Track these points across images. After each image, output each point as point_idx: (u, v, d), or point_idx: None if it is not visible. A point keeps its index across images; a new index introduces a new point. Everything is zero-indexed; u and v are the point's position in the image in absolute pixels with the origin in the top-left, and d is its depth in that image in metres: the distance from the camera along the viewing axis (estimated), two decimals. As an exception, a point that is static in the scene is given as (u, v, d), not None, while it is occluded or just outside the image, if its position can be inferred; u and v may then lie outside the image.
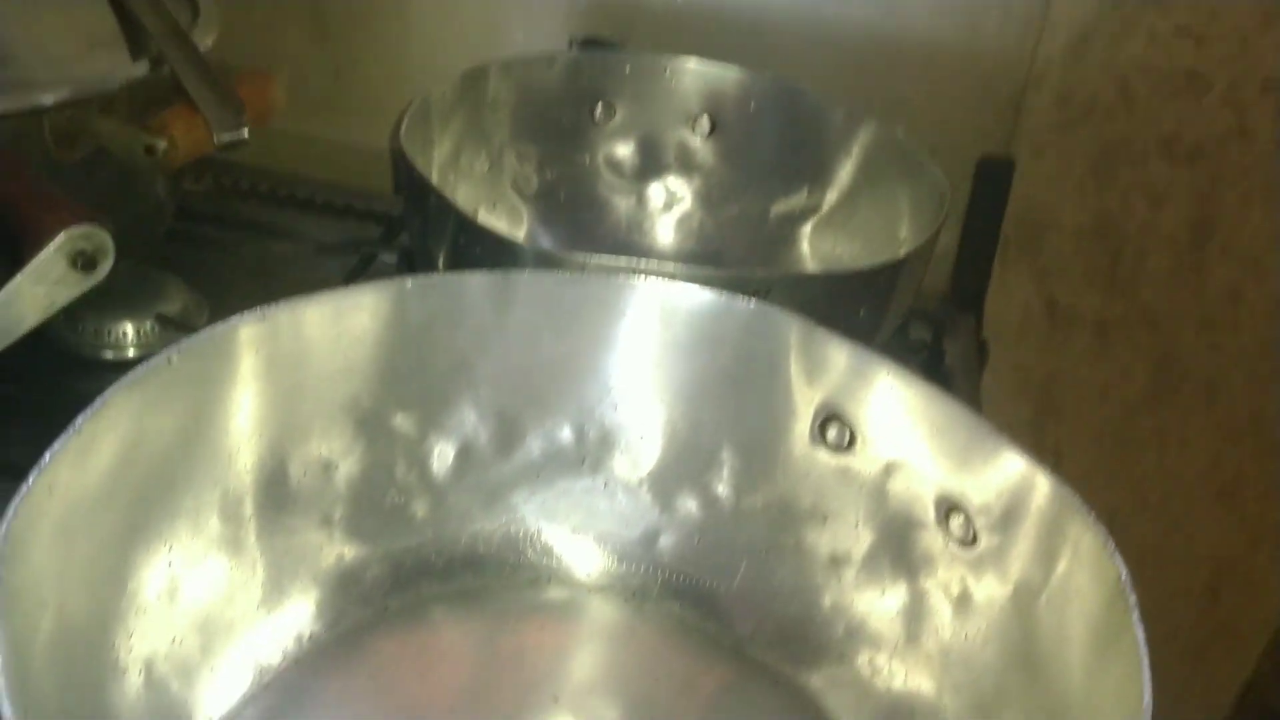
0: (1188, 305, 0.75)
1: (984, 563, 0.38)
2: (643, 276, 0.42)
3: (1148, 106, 0.70)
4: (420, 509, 0.45)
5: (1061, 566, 0.36)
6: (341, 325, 0.40)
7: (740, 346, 0.43)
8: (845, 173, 0.61)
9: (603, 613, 0.46)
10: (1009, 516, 0.37)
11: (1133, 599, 0.32)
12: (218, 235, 0.66)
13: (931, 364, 0.66)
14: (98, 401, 0.33)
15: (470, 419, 0.44)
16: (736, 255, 0.63)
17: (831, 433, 0.43)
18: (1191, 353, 0.76)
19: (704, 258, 0.63)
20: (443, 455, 0.44)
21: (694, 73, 0.63)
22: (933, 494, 0.40)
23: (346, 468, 0.43)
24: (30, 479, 0.31)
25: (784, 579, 0.44)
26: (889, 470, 0.41)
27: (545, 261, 0.48)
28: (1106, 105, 0.70)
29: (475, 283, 0.41)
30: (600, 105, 0.63)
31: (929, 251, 0.52)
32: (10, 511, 0.30)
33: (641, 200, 0.64)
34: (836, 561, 0.43)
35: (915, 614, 0.41)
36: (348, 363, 0.41)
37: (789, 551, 0.44)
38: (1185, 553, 0.83)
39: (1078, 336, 0.77)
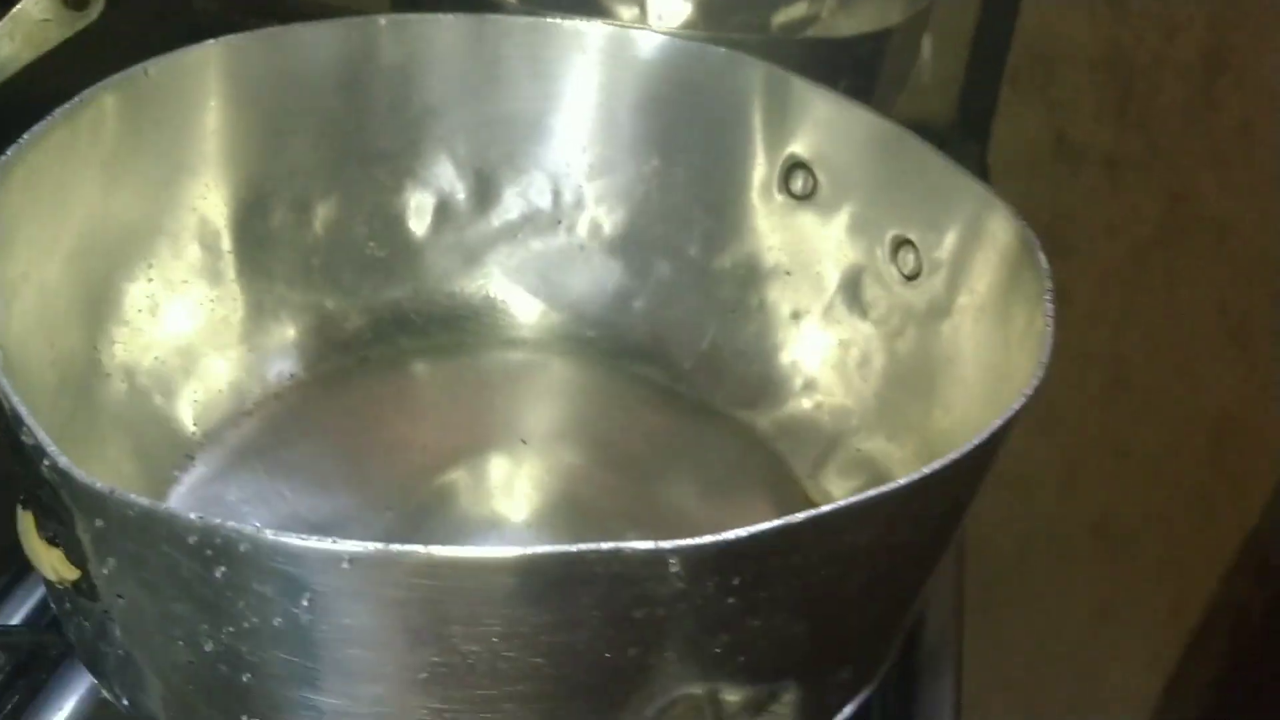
0: (1199, 141, 0.74)
1: (928, 294, 0.39)
2: (615, 26, 0.43)
3: (1165, -70, 0.68)
4: (399, 264, 0.46)
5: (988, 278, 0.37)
6: (314, 58, 0.41)
7: (710, 94, 0.43)
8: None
9: (574, 371, 0.47)
10: (945, 245, 0.38)
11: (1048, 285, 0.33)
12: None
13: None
14: (76, 98, 0.35)
15: (447, 173, 0.45)
16: (738, 19, 0.63)
17: (797, 182, 0.43)
18: (1202, 190, 0.75)
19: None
20: (420, 209, 0.46)
21: None
22: (888, 234, 0.41)
23: (324, 212, 0.44)
24: (9, 152, 0.32)
25: (748, 339, 0.45)
26: (848, 214, 0.42)
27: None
28: (1122, -71, 0.69)
29: (449, 24, 0.42)
30: None
31: (916, 27, 0.52)
32: None
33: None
34: (797, 316, 0.44)
35: (864, 356, 0.42)
36: (321, 100, 0.42)
37: (754, 310, 0.45)
38: (1192, 399, 0.83)
39: (1087, 172, 0.76)
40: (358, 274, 0.45)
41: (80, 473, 0.23)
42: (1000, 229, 0.36)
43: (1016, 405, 0.30)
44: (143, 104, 0.37)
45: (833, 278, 0.43)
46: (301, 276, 0.44)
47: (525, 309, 0.47)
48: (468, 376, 0.47)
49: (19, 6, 0.41)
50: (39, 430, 0.24)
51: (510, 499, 0.41)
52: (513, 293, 0.47)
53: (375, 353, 0.46)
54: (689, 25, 0.63)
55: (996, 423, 0.29)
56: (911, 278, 0.40)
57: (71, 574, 0.25)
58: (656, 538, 0.22)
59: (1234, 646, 0.88)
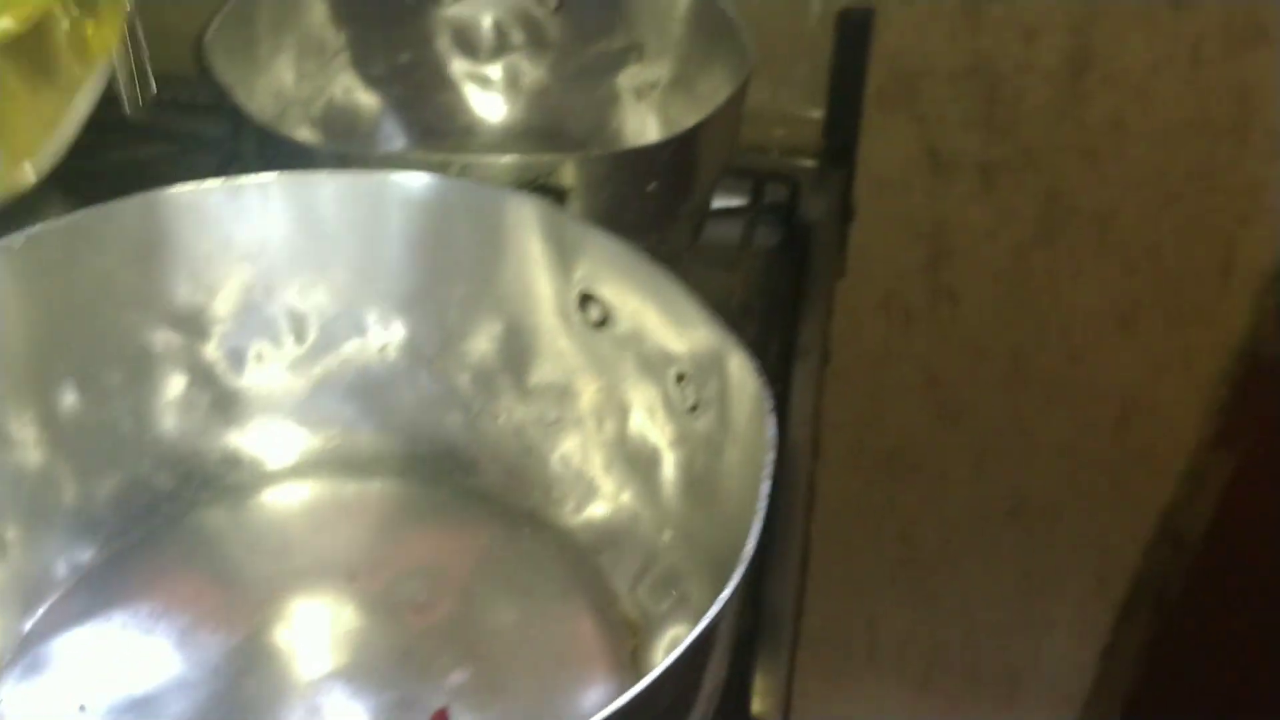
0: (1070, 139, 0.74)
1: (699, 421, 0.40)
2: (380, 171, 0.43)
3: (1012, -61, 0.67)
4: (216, 412, 0.47)
5: (739, 430, 0.37)
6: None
7: (495, 229, 0.44)
8: (676, 42, 0.60)
9: (394, 493, 0.47)
10: (710, 383, 0.39)
11: (768, 465, 0.34)
12: (88, 142, 0.67)
13: (787, 224, 0.66)
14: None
15: (255, 320, 0.46)
16: (582, 130, 0.63)
17: (591, 311, 0.44)
18: (1077, 187, 0.75)
19: (550, 134, 0.63)
20: (233, 355, 0.46)
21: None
22: (672, 367, 0.41)
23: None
24: None
25: (567, 454, 0.46)
26: (639, 344, 0.42)
27: (343, 161, 0.49)
28: (970, -58, 0.68)
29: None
30: (443, -15, 0.63)
31: (728, 119, 0.52)
32: None
33: (489, 80, 0.65)
34: (606, 432, 0.45)
35: (667, 474, 0.43)
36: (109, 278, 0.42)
37: (570, 425, 0.46)
38: (1092, 385, 0.84)
39: (961, 181, 0.76)
40: (146, 435, 0.45)
41: None
42: (738, 373, 0.37)
43: (725, 595, 0.30)
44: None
45: (635, 399, 0.44)
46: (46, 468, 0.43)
47: (328, 435, 0.48)
48: (270, 518, 0.47)
49: None
50: None
51: (332, 646, 0.42)
52: (315, 421, 0.47)
53: (173, 513, 0.46)
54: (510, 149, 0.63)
55: (702, 625, 0.30)
56: (693, 410, 0.40)
57: None
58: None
59: (1158, 616, 0.90)
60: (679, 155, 0.50)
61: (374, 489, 0.47)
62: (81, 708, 0.40)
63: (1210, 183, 0.74)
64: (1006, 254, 0.79)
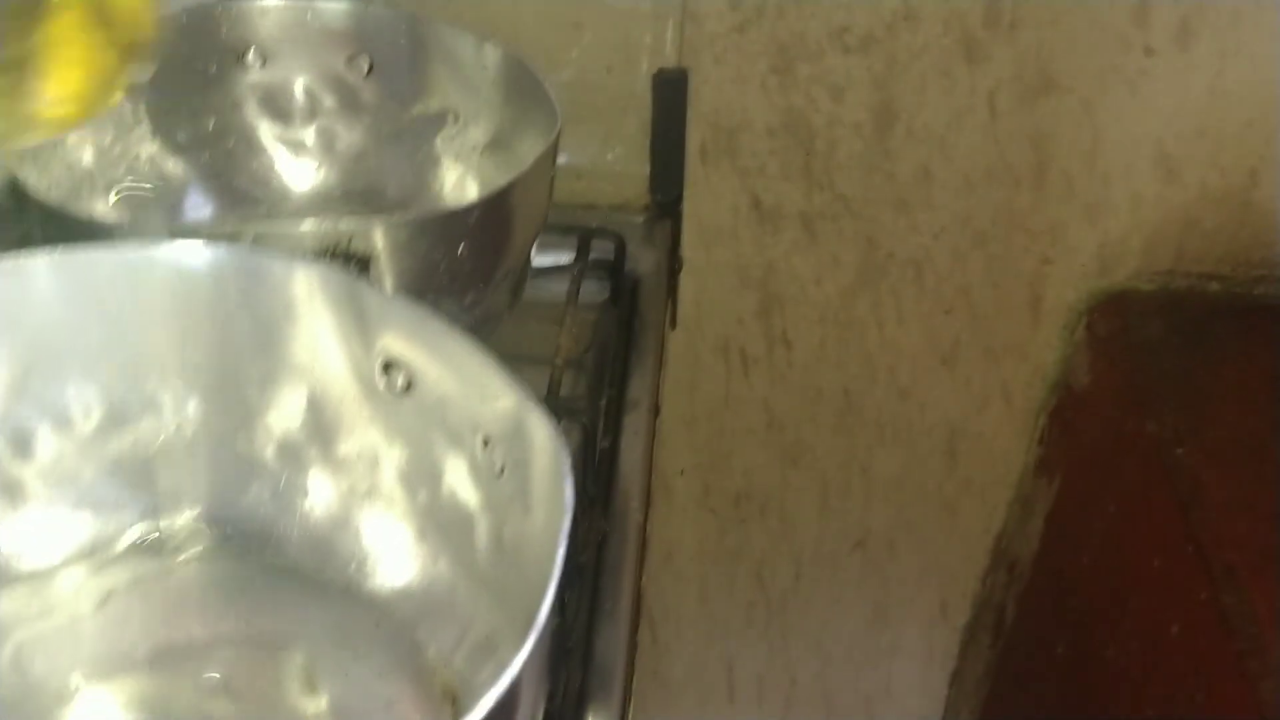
0: (882, 190, 0.75)
1: (505, 484, 0.38)
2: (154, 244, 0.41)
3: (816, 1, 0.68)
4: None
5: (541, 492, 0.36)
6: None
7: (281, 303, 0.41)
8: (489, 104, 0.59)
9: (205, 573, 0.45)
10: (514, 446, 0.37)
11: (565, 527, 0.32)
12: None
13: (614, 278, 0.66)
14: None
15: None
16: (402, 193, 0.62)
17: (396, 378, 0.42)
18: (892, 234, 0.76)
19: (368, 198, 0.61)
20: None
21: (337, 12, 0.60)
22: (479, 433, 0.39)
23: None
24: None
25: (382, 524, 0.44)
26: (443, 410, 0.41)
27: (131, 235, 0.46)
28: (777, 4, 0.69)
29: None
30: (251, 51, 0.60)
31: (539, 178, 0.51)
32: None
33: (303, 144, 0.62)
34: (418, 500, 0.43)
35: (479, 540, 0.41)
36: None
37: (381, 494, 0.44)
38: (920, 420, 0.85)
39: (786, 230, 0.76)
40: None
41: None
42: (538, 435, 0.35)
43: (513, 669, 0.29)
44: None
45: (446, 465, 0.42)
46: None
47: (124, 517, 0.45)
48: (60, 610, 0.43)
49: None
50: None
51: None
52: (110, 503, 0.44)
53: None
54: (309, 205, 0.61)
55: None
56: (500, 473, 0.39)
57: None
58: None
59: (998, 638, 0.91)
60: (489, 216, 0.48)
61: (178, 570, 0.44)
62: None
63: (1014, 225, 0.76)
64: (833, 299, 0.79)
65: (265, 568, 0.44)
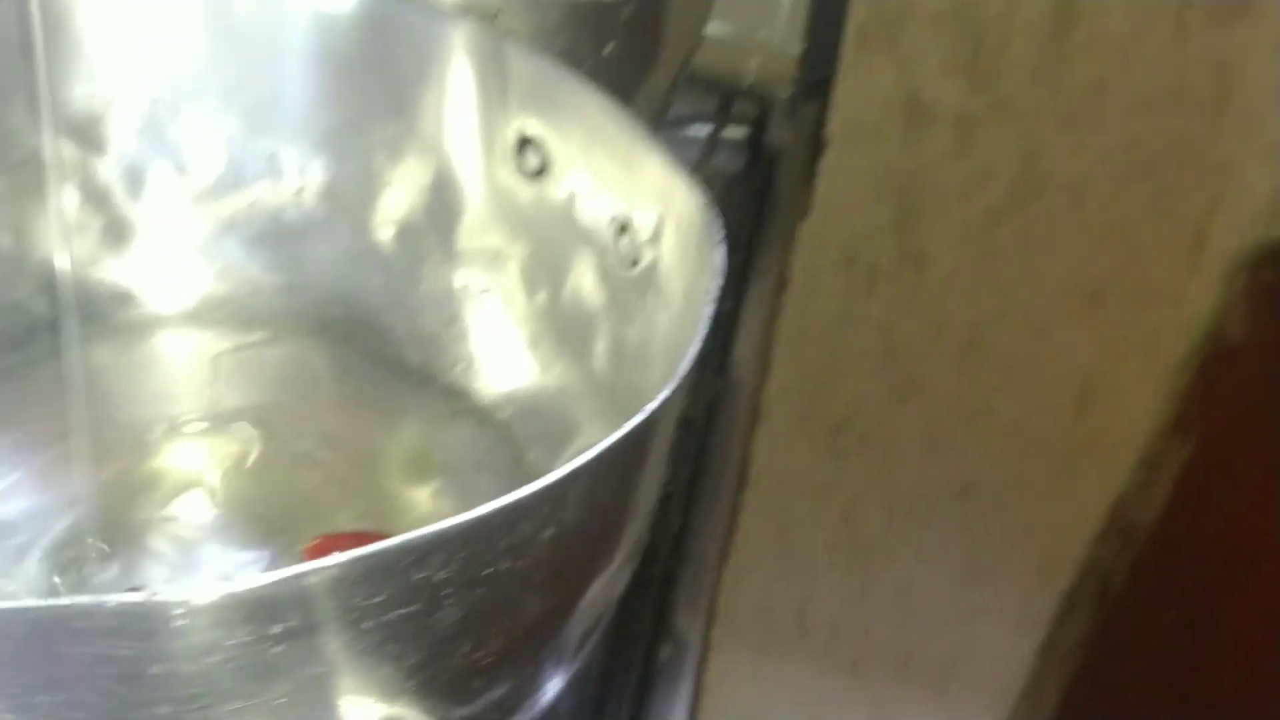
0: (1050, 100, 0.70)
1: (638, 271, 0.36)
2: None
3: (1007, -121, 0.64)
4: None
5: (684, 265, 0.33)
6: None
7: (424, 56, 0.39)
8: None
9: (291, 349, 0.42)
10: (654, 226, 0.35)
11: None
12: None
13: (753, 149, 0.63)
14: None
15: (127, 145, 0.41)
16: None
17: (529, 159, 0.39)
18: (1054, 151, 0.72)
19: None
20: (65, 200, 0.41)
21: None
22: (609, 216, 0.37)
23: None
24: None
25: (485, 318, 0.42)
26: (578, 195, 0.38)
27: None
28: (964, -122, 0.65)
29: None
30: None
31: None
32: None
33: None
34: (536, 297, 0.40)
35: (597, 342, 0.38)
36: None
37: (492, 290, 0.42)
38: (1052, 364, 0.80)
39: (937, 133, 0.73)
40: (27, 254, 0.40)
41: None
42: (686, 209, 0.33)
43: (642, 416, 0.26)
44: None
45: (573, 261, 0.39)
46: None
47: (232, 282, 0.43)
48: (159, 362, 0.42)
49: None
50: None
51: (211, 491, 0.38)
52: (219, 265, 0.43)
53: (51, 344, 0.40)
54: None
55: (622, 432, 0.25)
56: (633, 264, 0.36)
57: None
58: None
59: (1100, 610, 0.86)
60: (644, 16, 0.45)
61: (279, 347, 0.43)
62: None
63: (1186, 157, 0.71)
64: (977, 218, 0.75)
65: (370, 354, 0.42)
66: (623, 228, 0.36)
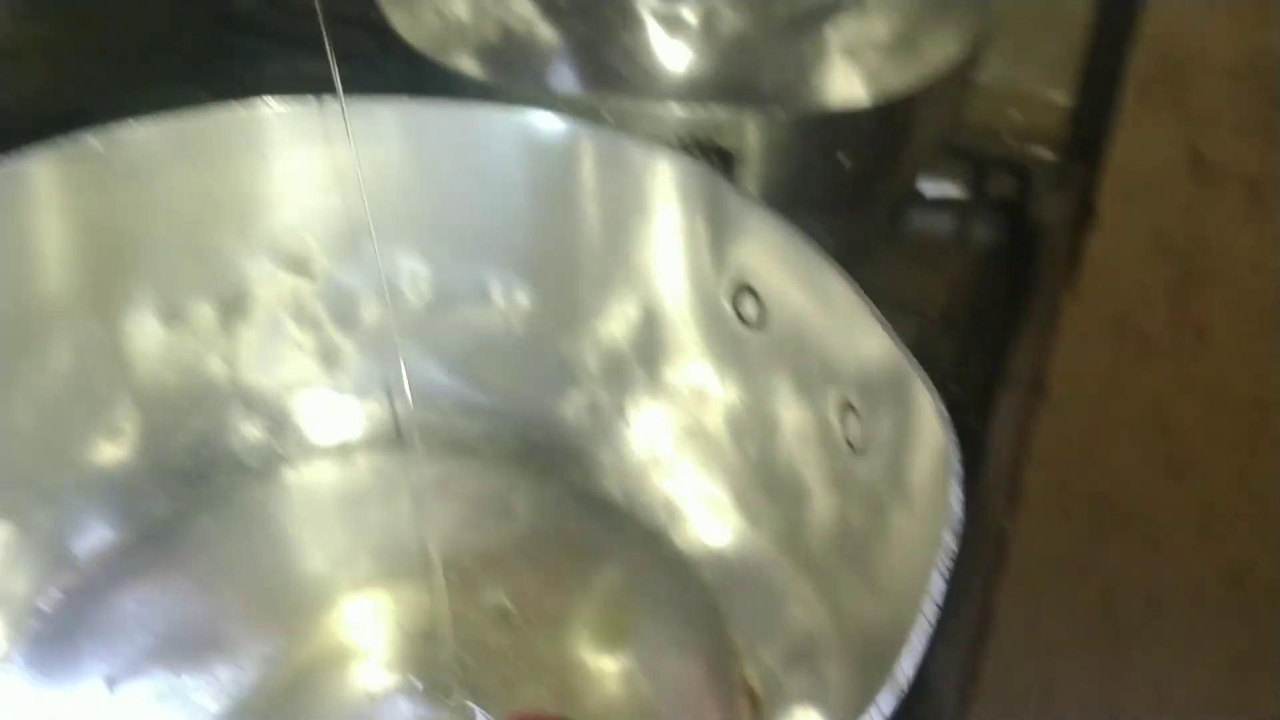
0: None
1: (862, 463, 0.32)
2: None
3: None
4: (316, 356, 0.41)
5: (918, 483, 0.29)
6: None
7: (639, 189, 0.36)
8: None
9: (490, 478, 0.41)
10: (882, 420, 0.31)
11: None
12: (261, 50, 0.63)
13: (1012, 222, 0.57)
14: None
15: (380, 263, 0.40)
16: (778, 88, 0.55)
17: (746, 306, 0.36)
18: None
19: (740, 89, 0.55)
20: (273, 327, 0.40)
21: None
22: (832, 390, 0.33)
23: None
24: None
25: (680, 463, 0.39)
26: (797, 355, 0.35)
27: (488, 94, 0.42)
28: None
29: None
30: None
31: (952, 90, 0.43)
32: None
33: (682, 22, 0.57)
34: (745, 451, 0.37)
35: (810, 514, 0.35)
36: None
37: (699, 434, 0.39)
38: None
39: (1228, 195, 0.64)
40: (235, 381, 0.40)
41: None
42: (920, 417, 0.28)
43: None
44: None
45: (785, 419, 0.36)
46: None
47: (434, 406, 0.41)
48: (359, 489, 0.41)
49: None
50: None
51: (397, 648, 0.36)
52: (419, 388, 0.41)
53: (254, 469, 0.40)
54: (677, 90, 0.56)
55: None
56: (855, 447, 0.32)
57: None
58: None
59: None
60: (884, 125, 0.41)
61: (476, 472, 0.41)
62: (109, 682, 0.35)
63: None
64: (1270, 289, 0.66)
65: (571, 486, 0.40)
66: (847, 405, 0.33)
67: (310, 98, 0.36)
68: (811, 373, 0.34)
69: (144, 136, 0.35)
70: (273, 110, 0.36)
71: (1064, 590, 0.84)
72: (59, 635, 0.35)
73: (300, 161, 0.37)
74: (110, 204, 0.35)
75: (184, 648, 0.35)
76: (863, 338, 0.31)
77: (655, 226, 0.37)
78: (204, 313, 0.39)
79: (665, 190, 0.36)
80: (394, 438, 0.41)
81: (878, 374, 0.31)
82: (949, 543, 0.25)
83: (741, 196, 0.34)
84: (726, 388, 0.38)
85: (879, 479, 0.31)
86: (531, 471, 0.41)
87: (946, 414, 0.28)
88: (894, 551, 0.30)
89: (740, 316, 0.36)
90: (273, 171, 0.37)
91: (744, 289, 0.36)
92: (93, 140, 0.35)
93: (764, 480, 0.37)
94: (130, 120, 0.35)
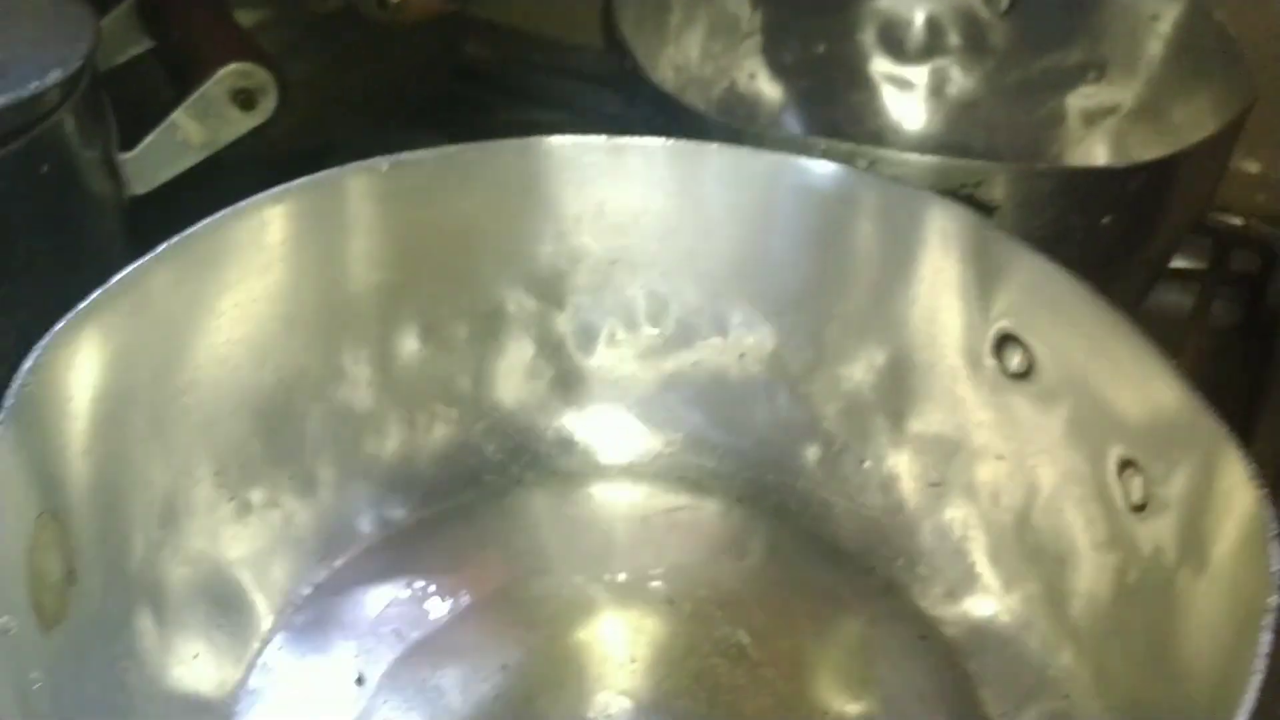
0: None
1: (1146, 525, 0.31)
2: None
3: None
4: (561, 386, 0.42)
5: (1220, 546, 0.28)
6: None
7: (904, 235, 0.36)
8: (1151, 61, 0.51)
9: (729, 522, 0.40)
10: (1173, 477, 0.29)
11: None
12: (492, 101, 0.66)
13: (1253, 300, 0.55)
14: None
15: (620, 298, 0.41)
16: (1011, 154, 0.55)
17: (1011, 357, 0.35)
18: None
19: (971, 153, 0.55)
20: (580, 334, 0.41)
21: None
22: (1113, 448, 0.32)
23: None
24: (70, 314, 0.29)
25: (943, 522, 0.38)
26: (1069, 410, 0.34)
27: (738, 139, 0.43)
28: None
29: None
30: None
31: (1215, 155, 0.42)
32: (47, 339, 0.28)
33: (911, 84, 0.57)
34: (1002, 509, 0.36)
35: (1080, 584, 0.34)
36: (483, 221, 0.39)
37: (953, 490, 0.38)
38: None
39: None
40: (483, 399, 0.41)
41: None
42: (1225, 474, 0.27)
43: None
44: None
45: (1050, 478, 0.35)
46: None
47: (668, 439, 0.42)
48: (593, 515, 0.41)
49: (187, 102, 0.40)
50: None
51: (634, 675, 0.36)
52: (658, 420, 0.42)
53: (495, 486, 0.41)
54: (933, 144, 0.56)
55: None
56: (1139, 509, 0.31)
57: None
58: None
59: None
60: (1148, 187, 0.40)
61: (709, 510, 0.41)
62: (359, 679, 0.36)
63: None
64: None
65: (804, 532, 0.40)
66: (1127, 461, 0.31)
67: (586, 137, 0.38)
68: (1087, 426, 0.33)
69: (427, 162, 0.37)
70: (549, 145, 0.38)
71: None
72: (314, 626, 0.37)
73: (568, 195, 0.39)
74: (401, 223, 0.37)
75: (428, 651, 0.36)
76: (1152, 389, 0.30)
77: (920, 273, 0.36)
78: (459, 332, 0.40)
79: (934, 237, 0.36)
80: (629, 465, 0.42)
81: (1169, 428, 0.30)
82: (1273, 605, 0.24)
83: (1014, 241, 0.34)
84: (980, 441, 0.37)
85: (1166, 541, 0.30)
86: (763, 513, 0.41)
87: (1257, 471, 0.27)
88: (1183, 618, 0.29)
89: (1003, 367, 0.35)
90: (541, 205, 0.39)
91: (1009, 339, 0.35)
92: (377, 163, 0.36)
93: (1020, 539, 0.36)
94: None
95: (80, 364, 0.30)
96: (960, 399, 0.37)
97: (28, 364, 0.28)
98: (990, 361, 0.36)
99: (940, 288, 0.36)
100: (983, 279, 0.35)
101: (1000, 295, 0.35)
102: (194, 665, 0.34)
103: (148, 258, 0.32)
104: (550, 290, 0.40)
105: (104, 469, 0.31)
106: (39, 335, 0.28)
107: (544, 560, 0.39)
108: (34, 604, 0.27)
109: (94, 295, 0.30)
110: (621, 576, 0.39)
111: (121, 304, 0.31)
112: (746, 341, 0.41)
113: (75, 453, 0.30)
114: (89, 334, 0.30)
